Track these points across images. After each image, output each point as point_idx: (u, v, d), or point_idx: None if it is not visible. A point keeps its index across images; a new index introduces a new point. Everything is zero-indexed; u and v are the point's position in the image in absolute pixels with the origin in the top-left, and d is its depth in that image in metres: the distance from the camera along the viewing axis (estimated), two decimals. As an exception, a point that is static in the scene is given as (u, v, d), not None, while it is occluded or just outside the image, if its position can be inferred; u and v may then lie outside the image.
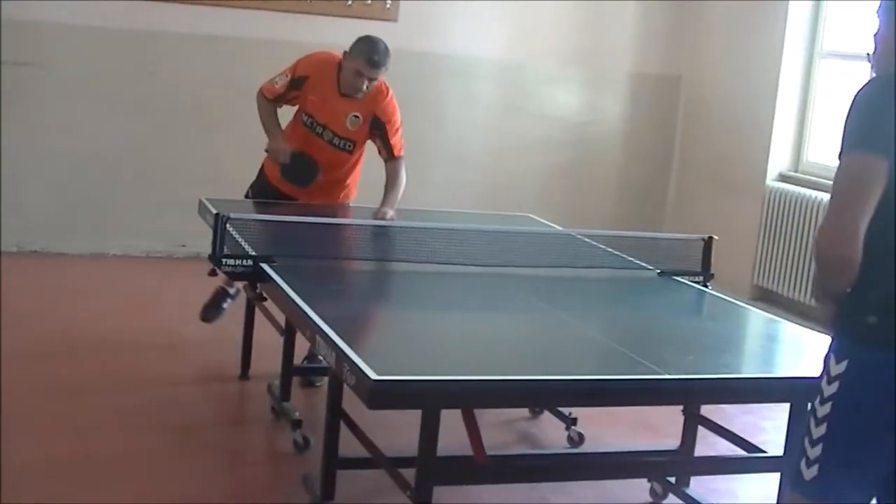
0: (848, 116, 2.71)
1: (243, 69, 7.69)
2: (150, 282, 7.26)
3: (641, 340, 3.92)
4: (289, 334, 4.74)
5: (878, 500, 2.89)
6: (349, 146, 5.42)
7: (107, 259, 7.70)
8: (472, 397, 3.19)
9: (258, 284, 4.59)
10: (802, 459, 2.85)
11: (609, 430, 5.02)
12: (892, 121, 2.63)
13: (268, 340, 5.75)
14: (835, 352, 2.82)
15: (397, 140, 5.42)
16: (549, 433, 5.06)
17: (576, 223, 7.03)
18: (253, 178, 5.76)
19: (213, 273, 4.47)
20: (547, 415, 5.14)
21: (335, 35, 6.30)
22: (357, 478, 4.10)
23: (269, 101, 5.50)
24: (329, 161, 5.42)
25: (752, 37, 8.22)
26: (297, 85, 5.40)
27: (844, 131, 2.70)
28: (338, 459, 3.95)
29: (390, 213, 5.21)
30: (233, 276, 4.44)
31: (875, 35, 2.87)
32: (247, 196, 5.63)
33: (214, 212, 4.56)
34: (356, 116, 5.34)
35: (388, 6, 8.03)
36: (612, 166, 9.00)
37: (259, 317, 5.26)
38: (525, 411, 5.22)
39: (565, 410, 4.95)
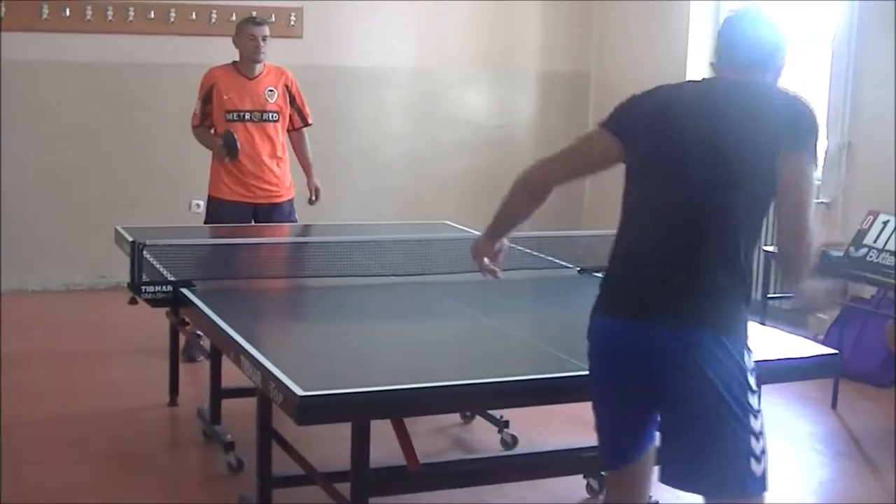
0: None
1: (152, 94, 7.67)
2: (72, 315, 7.18)
3: (566, 338, 3.95)
4: (214, 357, 4.72)
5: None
6: (275, 116, 6.20)
7: (26, 295, 7.61)
8: (399, 406, 3.20)
9: (179, 310, 4.57)
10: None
11: (543, 429, 5.04)
12: (638, 113, 3.21)
13: (193, 365, 5.75)
14: None
15: (307, 110, 6.36)
16: (483, 437, 5.07)
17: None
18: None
19: (133, 301, 4.45)
20: (479, 420, 5.16)
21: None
22: (294, 495, 4.08)
23: (198, 126, 6.19)
24: (261, 135, 6.16)
25: (657, 32, 8.31)
26: (208, 98, 6.11)
27: None
28: (272, 479, 3.94)
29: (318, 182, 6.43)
30: (153, 303, 4.41)
31: None
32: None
33: (130, 240, 4.53)
34: (271, 90, 6.16)
35: (292, 23, 8.01)
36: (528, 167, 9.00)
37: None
38: (457, 418, 5.24)
39: (496, 413, 4.97)
